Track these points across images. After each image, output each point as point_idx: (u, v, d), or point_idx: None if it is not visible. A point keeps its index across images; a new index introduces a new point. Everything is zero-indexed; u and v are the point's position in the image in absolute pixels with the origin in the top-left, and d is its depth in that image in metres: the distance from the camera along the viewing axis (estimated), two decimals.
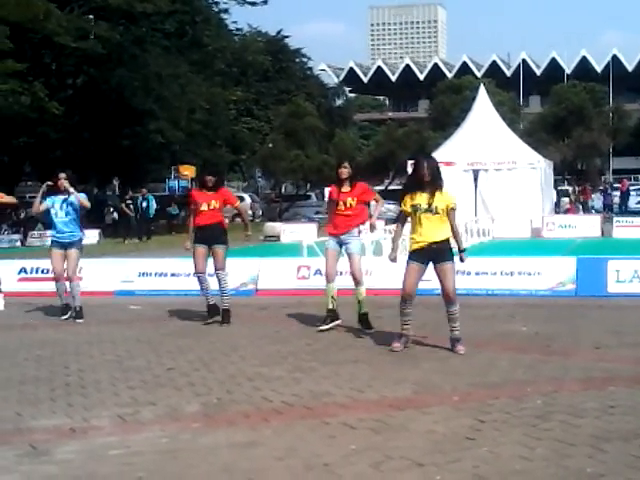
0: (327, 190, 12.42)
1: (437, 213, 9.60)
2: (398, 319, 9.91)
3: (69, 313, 13.02)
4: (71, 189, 13.00)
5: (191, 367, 9.23)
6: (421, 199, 9.61)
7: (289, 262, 16.33)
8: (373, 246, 20.00)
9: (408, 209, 9.73)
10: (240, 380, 8.48)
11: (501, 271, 15.27)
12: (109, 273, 16.51)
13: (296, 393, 7.83)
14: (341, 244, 11.44)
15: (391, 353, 9.71)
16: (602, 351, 9.76)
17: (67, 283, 13.08)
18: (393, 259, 10.11)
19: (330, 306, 11.46)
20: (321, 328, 11.34)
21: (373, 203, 12.55)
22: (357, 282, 11.41)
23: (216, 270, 12.35)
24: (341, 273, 12.38)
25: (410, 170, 9.78)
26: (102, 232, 36.53)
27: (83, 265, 15.22)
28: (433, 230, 9.63)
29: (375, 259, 17.36)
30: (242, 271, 16.06)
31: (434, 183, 9.66)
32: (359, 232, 11.69)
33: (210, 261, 12.43)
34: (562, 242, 27.84)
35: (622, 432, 6.35)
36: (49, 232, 13.80)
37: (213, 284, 12.42)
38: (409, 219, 9.87)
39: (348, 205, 11.38)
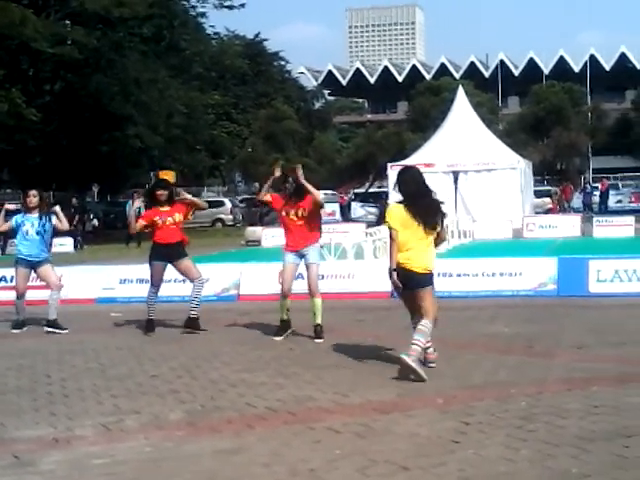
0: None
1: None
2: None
3: (25, 328, 12.83)
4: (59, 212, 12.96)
5: (174, 374, 9.20)
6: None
7: (271, 267, 16.24)
8: (354, 249, 19.99)
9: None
10: (223, 386, 8.46)
11: (482, 272, 15.30)
12: (90, 280, 16.42)
13: (280, 398, 7.82)
14: (300, 256, 11.24)
15: (374, 357, 9.65)
16: (584, 351, 9.79)
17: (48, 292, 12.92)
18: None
19: (285, 317, 11.32)
20: (277, 339, 11.19)
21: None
22: (312, 294, 11.19)
23: (193, 279, 12.36)
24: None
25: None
26: (82, 239, 36.24)
27: (64, 272, 15.18)
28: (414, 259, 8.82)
29: (356, 262, 17.39)
30: (224, 276, 16.05)
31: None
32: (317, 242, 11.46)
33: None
34: (543, 242, 27.93)
35: (606, 432, 6.37)
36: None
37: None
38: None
39: (300, 215, 11.14)
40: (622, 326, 11.58)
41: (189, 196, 12.99)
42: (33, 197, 12.78)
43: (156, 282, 12.36)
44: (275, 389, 8.24)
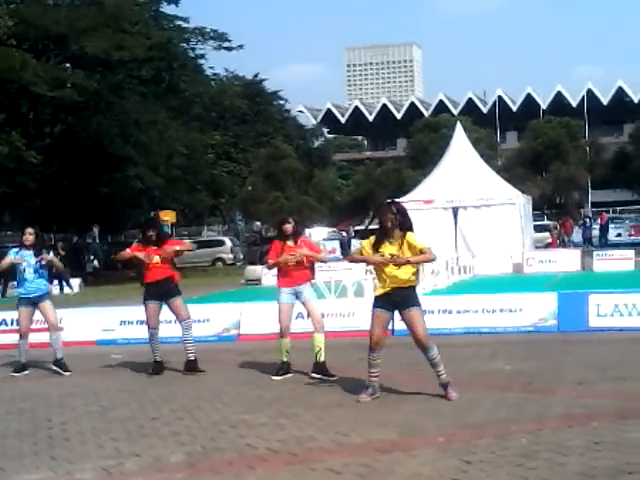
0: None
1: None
2: (383, 361, 9.82)
3: (26, 372, 12.88)
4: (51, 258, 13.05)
5: (174, 416, 9.19)
6: (385, 248, 9.37)
7: (271, 306, 16.15)
8: (354, 287, 20.00)
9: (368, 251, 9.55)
10: (224, 427, 8.45)
11: (483, 309, 15.30)
12: (90, 322, 16.41)
13: (281, 439, 7.81)
14: (295, 294, 11.39)
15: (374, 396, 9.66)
16: (584, 386, 9.79)
17: (49, 335, 12.99)
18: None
19: (284, 359, 11.41)
20: (275, 378, 11.24)
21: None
22: (317, 329, 11.31)
23: (181, 320, 12.41)
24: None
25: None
26: (83, 280, 36.20)
27: (64, 315, 15.17)
28: (396, 275, 9.39)
29: (357, 300, 17.37)
30: (224, 316, 16.05)
31: (395, 229, 9.43)
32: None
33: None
34: (543, 277, 27.92)
35: (607, 468, 6.37)
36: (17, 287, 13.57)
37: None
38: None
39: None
40: (622, 361, 11.58)
41: (177, 248, 12.91)
42: (29, 235, 12.91)
43: (152, 324, 12.36)
44: (276, 430, 8.23)
